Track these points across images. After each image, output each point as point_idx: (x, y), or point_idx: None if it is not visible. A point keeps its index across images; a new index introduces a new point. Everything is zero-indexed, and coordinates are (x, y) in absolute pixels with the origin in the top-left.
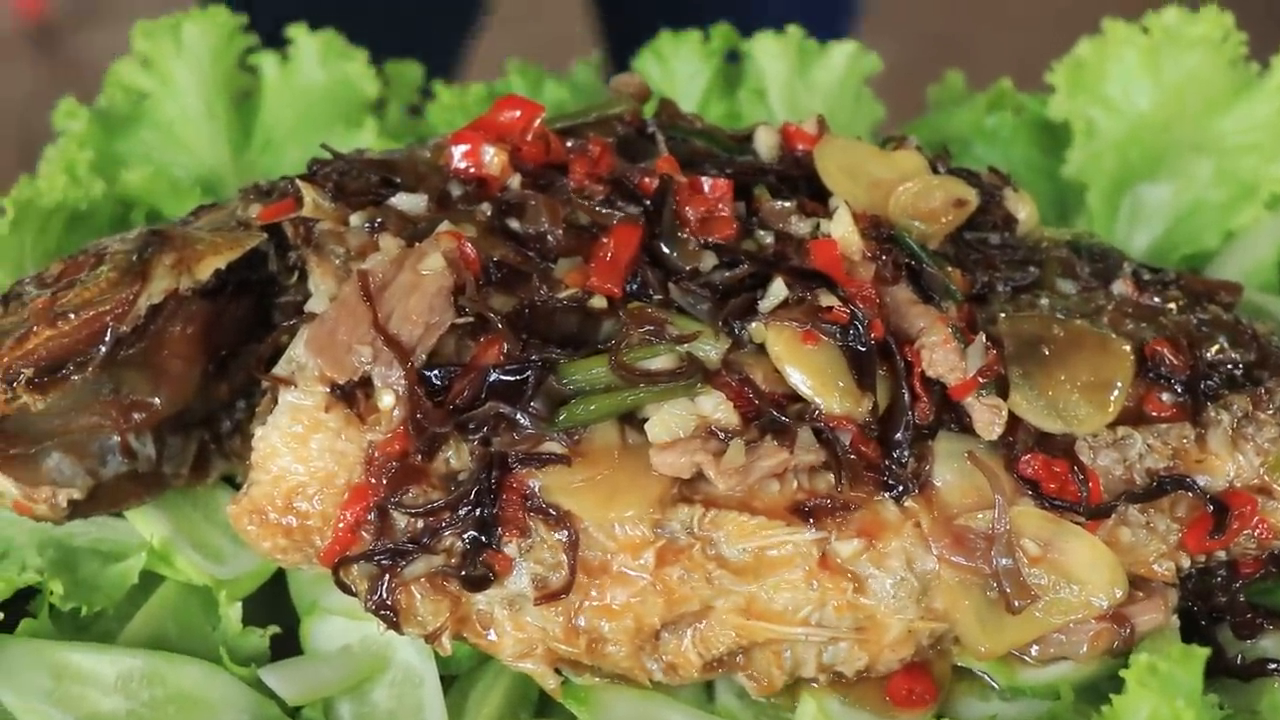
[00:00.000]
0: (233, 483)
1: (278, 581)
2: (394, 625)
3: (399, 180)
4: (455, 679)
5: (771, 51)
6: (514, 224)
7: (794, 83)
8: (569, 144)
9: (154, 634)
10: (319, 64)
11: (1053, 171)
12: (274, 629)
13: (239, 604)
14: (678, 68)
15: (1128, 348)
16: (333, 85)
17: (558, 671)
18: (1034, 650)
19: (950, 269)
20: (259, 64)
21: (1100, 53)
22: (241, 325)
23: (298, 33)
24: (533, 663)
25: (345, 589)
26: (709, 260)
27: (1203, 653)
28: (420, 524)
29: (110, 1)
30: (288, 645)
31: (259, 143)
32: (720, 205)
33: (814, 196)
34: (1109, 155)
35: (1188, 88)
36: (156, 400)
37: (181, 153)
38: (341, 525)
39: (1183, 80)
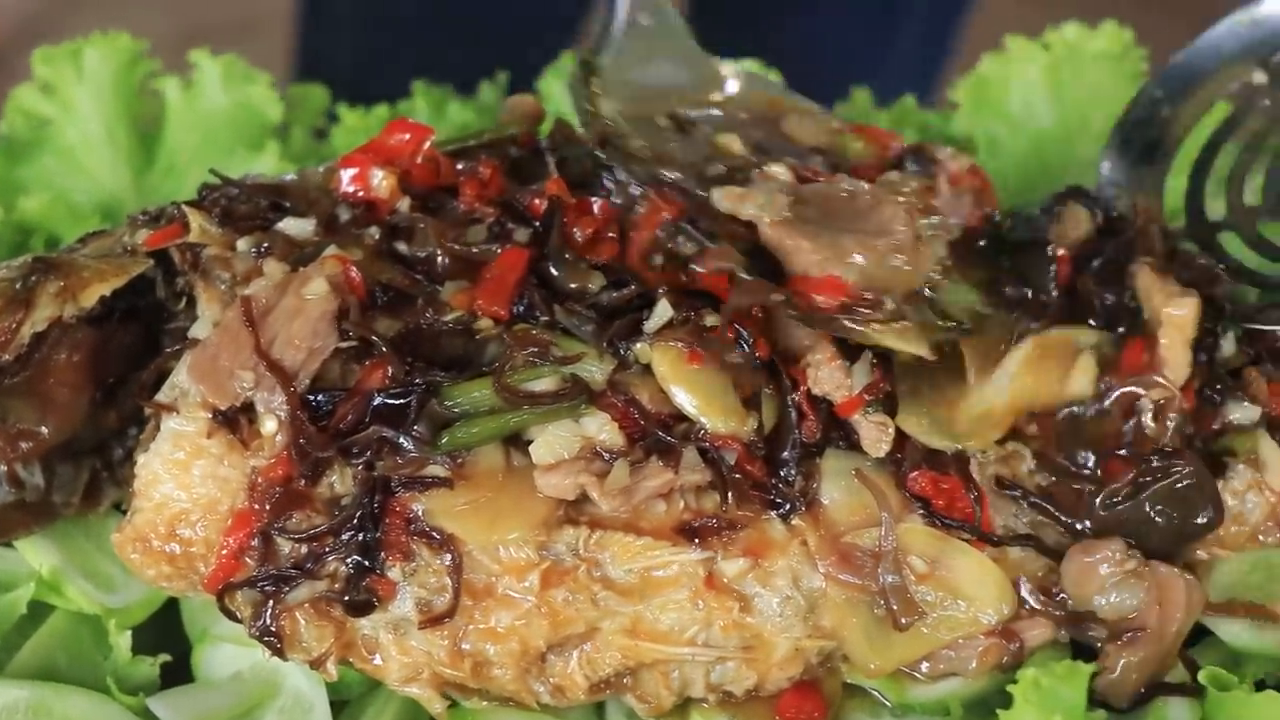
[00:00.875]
0: (124, 510)
1: (172, 610)
2: (278, 651)
3: (288, 205)
4: (346, 704)
5: None
6: (402, 247)
7: None
8: (460, 166)
9: (43, 664)
10: (221, 88)
11: None
12: (164, 657)
13: (129, 633)
14: None
15: None
16: (235, 109)
17: (445, 695)
18: (924, 667)
19: None
20: (162, 89)
21: (1002, 69)
22: (130, 352)
23: (199, 57)
24: (418, 687)
25: (230, 615)
26: (597, 281)
27: (1087, 668)
28: (304, 549)
29: (60, 26)
30: (181, 674)
31: (161, 168)
32: (608, 226)
33: None
34: (1011, 171)
35: (1089, 103)
36: (43, 429)
37: (83, 178)
38: (225, 552)
39: (1084, 96)
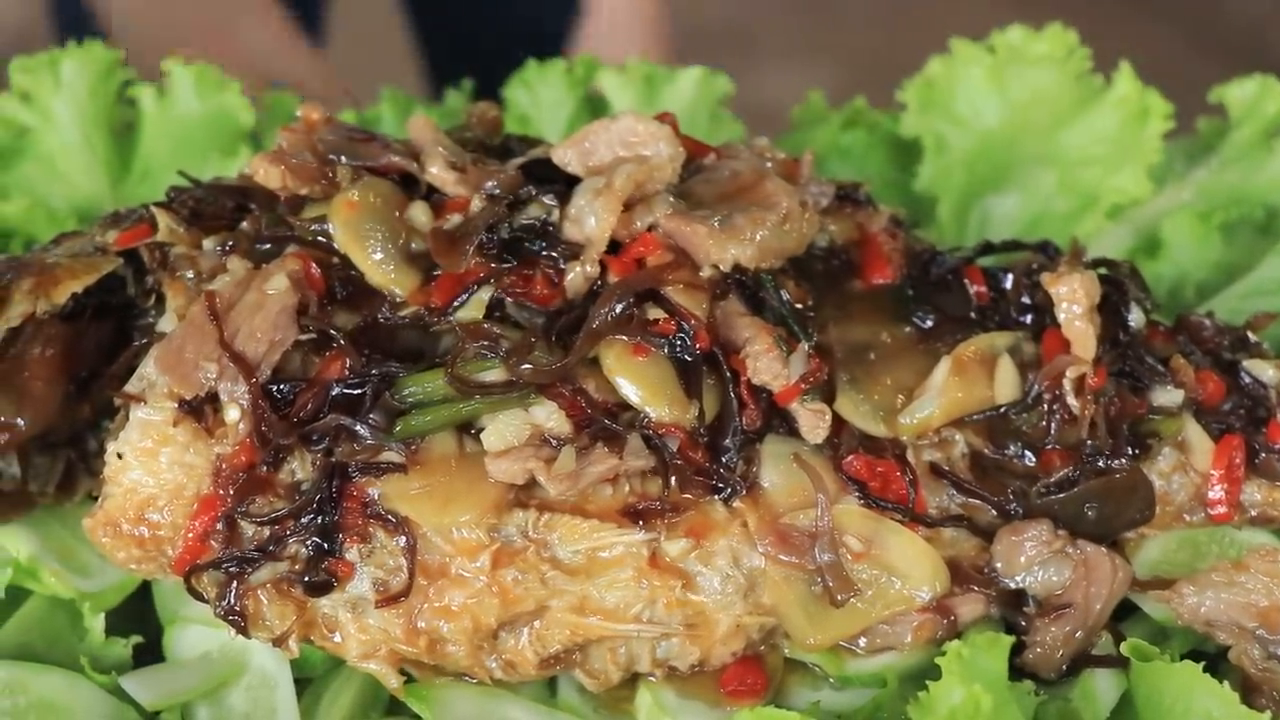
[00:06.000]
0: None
1: (146, 595)
2: (242, 630)
3: (253, 205)
4: (310, 682)
5: (615, 83)
6: None
7: (647, 111)
8: None
9: (20, 646)
10: (195, 95)
11: (905, 185)
12: (136, 639)
13: (103, 615)
14: (543, 96)
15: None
16: (209, 115)
17: (402, 671)
18: (862, 641)
19: (790, 282)
20: (137, 96)
21: (949, 71)
22: (103, 347)
23: (173, 65)
24: (376, 663)
25: (197, 596)
26: None
27: (1008, 640)
28: (266, 532)
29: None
30: (154, 656)
31: (137, 173)
32: None
33: None
34: (958, 170)
35: (1033, 104)
36: (19, 421)
37: (61, 184)
38: (191, 535)
39: (1028, 97)
